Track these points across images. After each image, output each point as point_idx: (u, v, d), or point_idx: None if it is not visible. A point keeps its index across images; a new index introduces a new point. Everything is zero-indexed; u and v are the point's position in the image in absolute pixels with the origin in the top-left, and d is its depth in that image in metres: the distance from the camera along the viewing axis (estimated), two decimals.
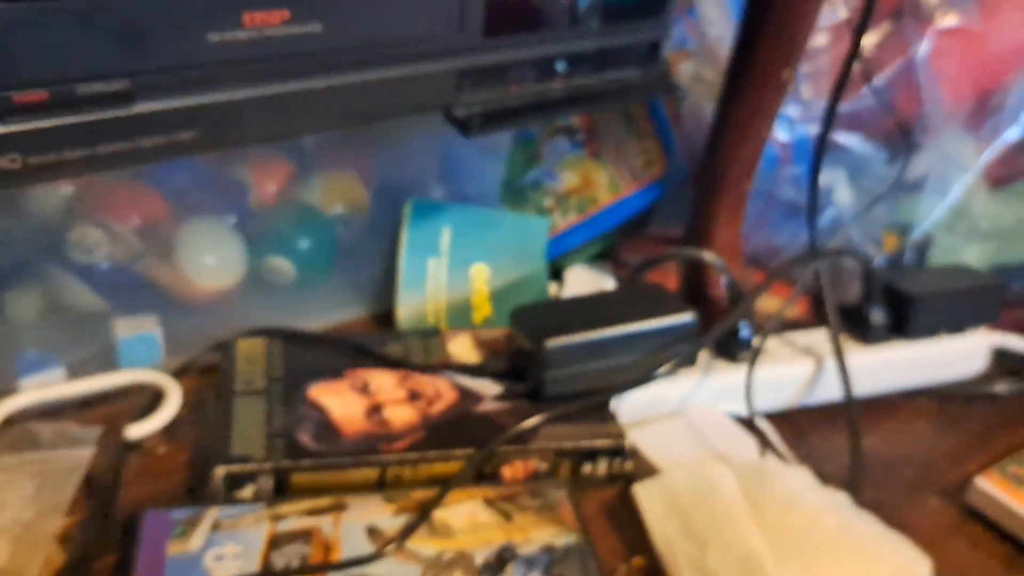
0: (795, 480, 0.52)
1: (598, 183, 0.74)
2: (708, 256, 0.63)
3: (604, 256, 0.77)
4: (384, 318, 0.72)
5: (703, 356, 0.62)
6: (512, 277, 0.72)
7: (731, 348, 0.63)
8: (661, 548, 0.50)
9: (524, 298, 0.71)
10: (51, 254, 0.59)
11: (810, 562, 0.48)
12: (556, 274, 0.75)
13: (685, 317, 0.60)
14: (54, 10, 0.37)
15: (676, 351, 0.59)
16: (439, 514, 0.50)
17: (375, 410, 0.56)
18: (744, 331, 0.63)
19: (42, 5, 0.37)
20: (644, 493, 0.53)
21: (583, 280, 0.75)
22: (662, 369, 0.59)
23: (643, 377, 0.58)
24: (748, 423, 0.60)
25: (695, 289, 0.68)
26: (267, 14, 0.43)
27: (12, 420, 0.55)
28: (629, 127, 0.74)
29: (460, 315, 0.70)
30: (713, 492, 0.51)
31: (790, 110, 0.69)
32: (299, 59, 0.45)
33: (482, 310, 0.70)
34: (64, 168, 0.40)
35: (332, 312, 0.71)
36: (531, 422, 0.55)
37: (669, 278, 0.71)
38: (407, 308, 0.69)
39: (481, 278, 0.71)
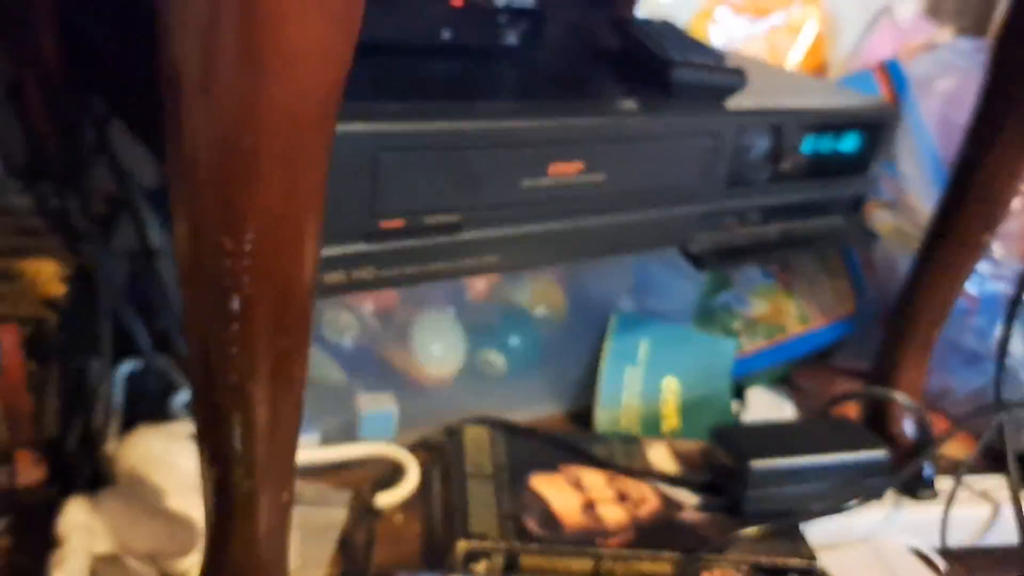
0: None
1: (788, 313, 0.80)
2: (900, 397, 0.68)
3: (783, 380, 0.83)
4: (577, 417, 0.78)
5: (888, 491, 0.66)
6: (699, 392, 0.78)
7: (914, 486, 0.67)
8: None
9: (709, 413, 0.76)
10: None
11: None
12: (738, 393, 0.81)
13: (878, 453, 0.64)
14: (416, 161, 0.47)
15: (868, 484, 0.64)
16: None
17: (589, 506, 0.62)
18: (927, 470, 0.67)
19: (408, 156, 0.46)
20: None
21: (763, 401, 0.80)
22: (854, 500, 0.63)
23: (837, 506, 0.63)
24: (925, 558, 0.64)
25: (878, 425, 0.72)
26: (567, 165, 0.51)
27: None
28: (822, 265, 0.80)
29: (650, 424, 0.76)
30: None
31: (982, 267, 0.74)
32: (584, 201, 0.53)
33: (670, 421, 0.76)
34: (402, 280, 0.48)
35: (535, 406, 0.77)
36: (736, 534, 0.60)
37: (849, 411, 0.76)
38: (605, 412, 0.76)
39: (671, 390, 0.77)
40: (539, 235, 0.53)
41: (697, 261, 0.62)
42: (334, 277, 0.46)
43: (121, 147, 0.67)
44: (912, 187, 0.76)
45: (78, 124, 0.68)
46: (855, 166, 0.71)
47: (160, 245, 0.69)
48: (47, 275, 0.59)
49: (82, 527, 0.47)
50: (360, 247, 0.47)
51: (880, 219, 0.79)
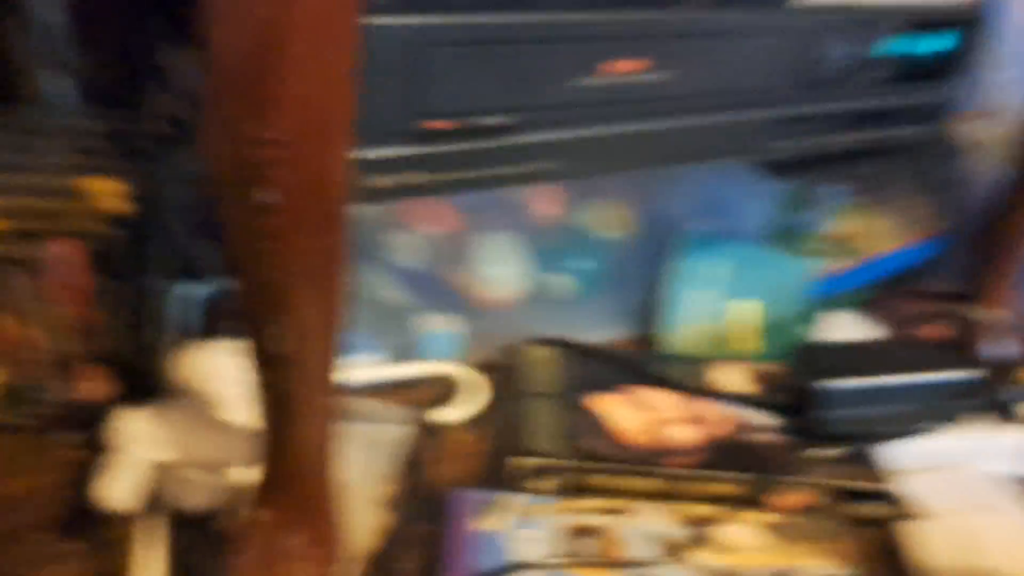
0: None
1: (874, 232, 0.75)
2: (990, 317, 0.64)
3: (866, 304, 0.78)
4: (643, 340, 0.76)
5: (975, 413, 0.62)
6: (772, 315, 0.74)
7: (1002, 409, 0.63)
8: None
9: (783, 337, 0.73)
10: (368, 253, 0.67)
11: None
12: (818, 316, 0.77)
13: (965, 375, 0.60)
14: (467, 57, 0.44)
15: (954, 406, 0.60)
16: (719, 531, 0.54)
17: (657, 426, 0.60)
18: (1017, 394, 0.63)
19: (458, 52, 0.44)
20: (910, 534, 0.55)
21: (846, 326, 0.76)
22: (938, 421, 0.60)
23: (919, 428, 0.59)
24: (1012, 484, 0.60)
25: (966, 347, 0.68)
26: (631, 62, 0.48)
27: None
28: (908, 181, 0.75)
29: (722, 346, 0.73)
30: (976, 538, 0.53)
31: None
32: (649, 104, 0.50)
33: (745, 343, 0.73)
34: (453, 186, 0.47)
35: (601, 329, 0.75)
36: (810, 456, 0.57)
37: (936, 333, 0.71)
38: (672, 334, 0.73)
39: (743, 313, 0.74)
40: (600, 140, 0.50)
41: (773, 170, 0.58)
42: (383, 181, 0.45)
43: (180, 71, 0.67)
44: (1005, 95, 0.70)
45: (138, 47, 0.68)
46: (942, 71, 0.65)
47: None
48: (111, 193, 0.59)
49: (141, 435, 0.47)
50: (409, 150, 0.45)
51: (971, 130, 0.73)
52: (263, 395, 0.40)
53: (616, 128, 0.51)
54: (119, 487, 0.45)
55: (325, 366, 0.39)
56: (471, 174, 0.47)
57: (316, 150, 0.33)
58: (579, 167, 0.51)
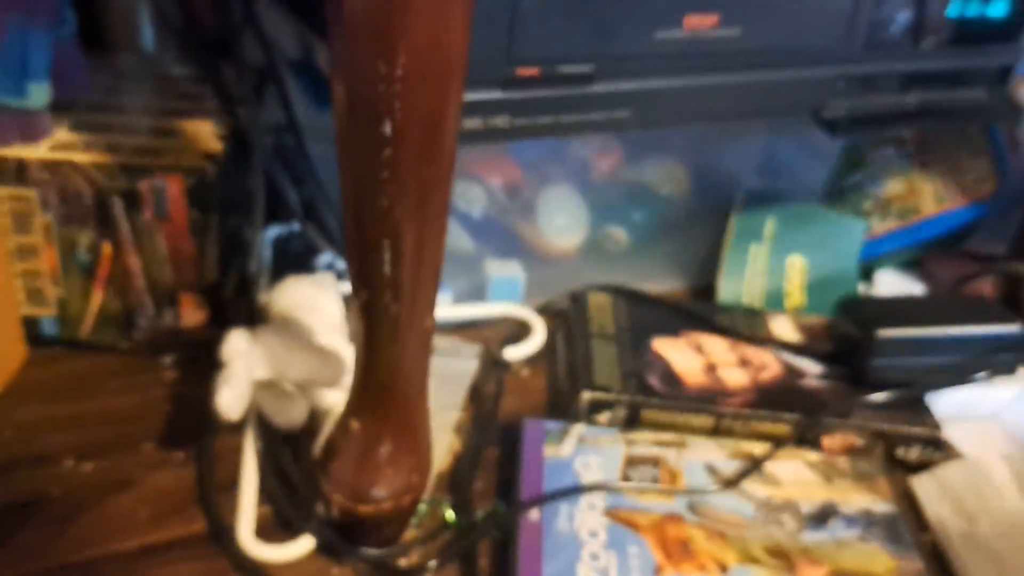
0: None
1: (923, 193, 0.77)
2: None
3: (914, 265, 0.81)
4: (700, 292, 0.79)
5: (1021, 369, 0.65)
6: (825, 272, 0.77)
7: None
8: (936, 527, 0.56)
9: (835, 293, 0.76)
10: None
11: None
12: (866, 275, 0.80)
13: (1011, 328, 0.63)
14: (552, 7, 0.47)
15: (999, 359, 0.63)
16: (769, 466, 0.57)
17: (711, 369, 0.64)
18: None
19: (545, 2, 0.47)
20: (920, 484, 0.59)
21: (893, 285, 0.79)
22: (983, 373, 0.62)
23: (965, 377, 0.62)
24: None
25: (1014, 304, 0.70)
26: (702, 17, 0.51)
27: None
28: (963, 144, 0.77)
29: (774, 300, 0.76)
30: (985, 479, 0.57)
31: None
32: (719, 57, 0.53)
33: (795, 298, 0.76)
34: (535, 131, 0.50)
35: (655, 281, 0.79)
36: (859, 400, 0.60)
37: (984, 292, 0.74)
38: (728, 286, 0.76)
39: (797, 268, 0.77)
40: (671, 91, 0.53)
41: (830, 127, 0.61)
42: (472, 123, 0.48)
43: (269, 21, 0.70)
44: None
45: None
46: (1004, 33, 0.67)
47: (304, 120, 0.73)
48: (205, 134, 0.63)
49: (244, 352, 0.52)
50: (497, 94, 0.48)
51: None
52: (364, 316, 0.44)
53: (686, 81, 0.54)
54: (229, 398, 0.49)
55: (426, 288, 0.43)
56: (552, 119, 0.50)
57: (433, 88, 0.36)
58: (651, 117, 0.54)
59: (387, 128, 0.37)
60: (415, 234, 0.40)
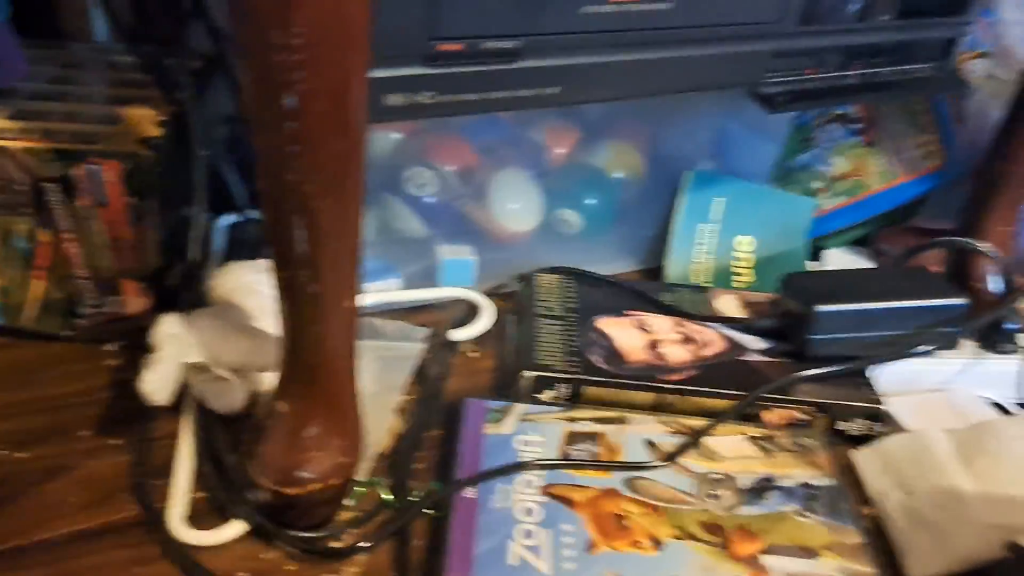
0: (1015, 430, 0.56)
1: (870, 170, 0.78)
2: (985, 247, 0.66)
3: (862, 242, 0.81)
4: (652, 273, 0.80)
5: (963, 342, 0.65)
6: (774, 250, 0.77)
7: (993, 338, 0.66)
8: (876, 500, 0.56)
9: (782, 271, 0.76)
10: (389, 186, 0.71)
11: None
12: (815, 253, 0.80)
13: (954, 302, 0.63)
14: None
15: (941, 332, 0.63)
16: (709, 441, 0.58)
17: (653, 345, 0.64)
18: (1008, 323, 0.65)
19: None
20: (862, 457, 0.59)
21: (841, 262, 0.79)
22: (923, 347, 0.63)
23: (905, 351, 0.62)
24: (1002, 409, 0.63)
25: (960, 278, 0.70)
26: None
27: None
28: (910, 119, 0.78)
29: (723, 278, 0.76)
30: (925, 450, 0.57)
31: None
32: (647, 32, 0.53)
33: (744, 277, 0.76)
34: (461, 108, 0.50)
35: (609, 262, 0.79)
36: (798, 374, 0.61)
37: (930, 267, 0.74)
38: (676, 265, 0.76)
39: (745, 247, 0.77)
40: (601, 66, 0.53)
41: (768, 102, 0.61)
42: (395, 99, 0.48)
43: (216, 10, 0.70)
44: (1011, 33, 0.72)
45: None
46: (948, 6, 0.67)
47: None
48: (145, 120, 0.63)
49: (175, 337, 0.51)
50: (419, 70, 0.48)
51: (974, 68, 0.75)
52: (285, 296, 0.44)
53: (617, 56, 0.54)
54: (153, 381, 0.49)
55: (344, 267, 0.43)
56: (479, 96, 0.50)
57: (334, 59, 0.36)
58: (581, 93, 0.54)
59: (290, 100, 0.36)
60: (330, 212, 0.40)
